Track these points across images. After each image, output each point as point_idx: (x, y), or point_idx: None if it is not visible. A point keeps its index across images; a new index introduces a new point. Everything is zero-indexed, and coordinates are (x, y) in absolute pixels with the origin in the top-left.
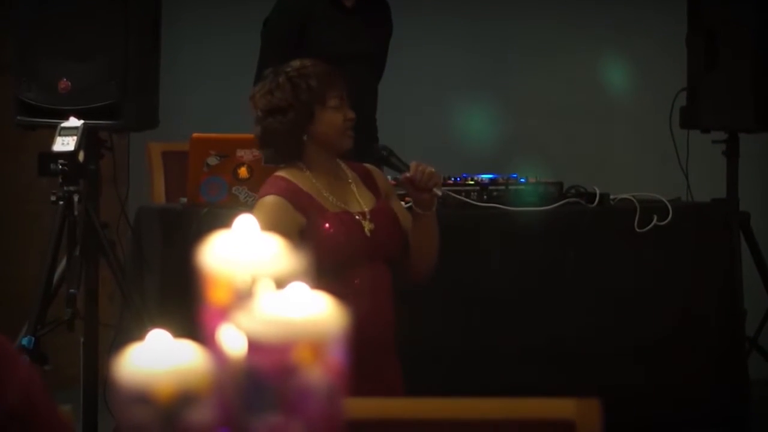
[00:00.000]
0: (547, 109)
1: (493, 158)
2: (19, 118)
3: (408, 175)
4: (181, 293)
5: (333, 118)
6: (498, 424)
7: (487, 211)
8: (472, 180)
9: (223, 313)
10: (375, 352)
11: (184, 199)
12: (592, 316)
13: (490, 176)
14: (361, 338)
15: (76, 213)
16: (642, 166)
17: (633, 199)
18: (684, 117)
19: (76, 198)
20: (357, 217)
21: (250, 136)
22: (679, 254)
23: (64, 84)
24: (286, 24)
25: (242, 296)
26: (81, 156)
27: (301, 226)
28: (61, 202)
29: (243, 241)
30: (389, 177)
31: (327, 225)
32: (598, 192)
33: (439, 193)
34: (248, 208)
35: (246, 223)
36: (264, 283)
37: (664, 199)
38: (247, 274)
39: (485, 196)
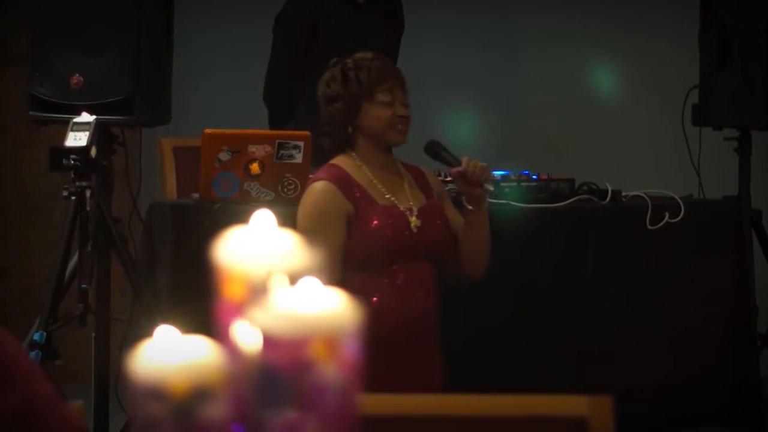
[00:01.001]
0: (559, 106)
1: (504, 155)
2: (31, 113)
3: (460, 169)
4: (192, 288)
5: (380, 113)
6: (509, 421)
7: (499, 208)
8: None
9: (238, 309)
10: (415, 347)
11: (196, 195)
12: (604, 313)
13: (502, 173)
14: (402, 333)
15: (87, 208)
16: (654, 163)
17: (645, 196)
18: (696, 114)
19: (88, 193)
20: (405, 211)
21: (262, 131)
22: (691, 251)
23: (76, 79)
24: (298, 20)
25: (257, 291)
26: (93, 151)
27: (348, 214)
28: (73, 198)
29: (258, 236)
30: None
31: (374, 217)
32: (610, 189)
33: (490, 188)
34: (260, 203)
35: (262, 219)
36: (279, 278)
37: (676, 197)
38: (262, 270)
39: (497, 193)
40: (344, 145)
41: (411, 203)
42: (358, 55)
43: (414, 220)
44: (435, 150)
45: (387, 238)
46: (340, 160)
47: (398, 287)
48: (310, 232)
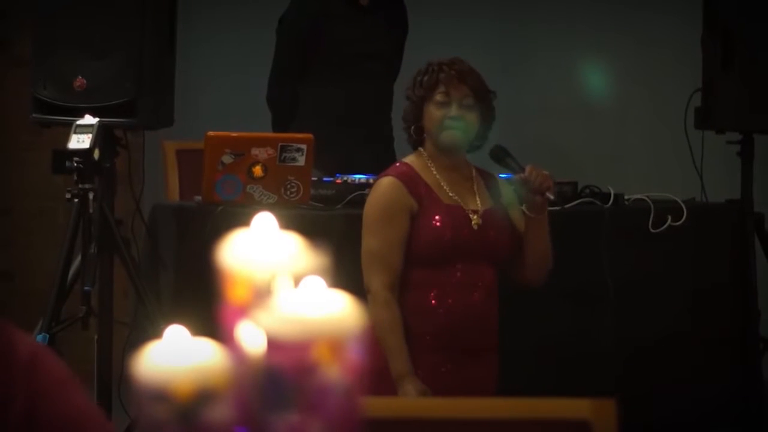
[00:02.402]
0: (561, 109)
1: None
2: (34, 115)
3: (523, 176)
4: (195, 291)
5: (433, 113)
6: (512, 424)
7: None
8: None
9: (242, 311)
10: (472, 345)
11: (199, 198)
12: (606, 315)
13: (505, 176)
14: (459, 330)
15: (90, 211)
16: (656, 167)
17: (647, 199)
18: (699, 117)
19: (90, 196)
20: (468, 212)
21: (265, 134)
22: (693, 255)
23: (79, 81)
24: (301, 22)
25: (261, 294)
26: (96, 154)
27: (412, 211)
28: (76, 200)
29: (261, 238)
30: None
31: (437, 216)
32: (612, 192)
33: (552, 196)
34: (263, 206)
35: (265, 222)
36: (283, 281)
37: (678, 200)
38: (265, 272)
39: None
40: (416, 144)
41: (477, 205)
42: (437, 59)
43: (476, 219)
44: (500, 155)
45: (447, 236)
46: (411, 159)
47: (455, 285)
48: (374, 226)
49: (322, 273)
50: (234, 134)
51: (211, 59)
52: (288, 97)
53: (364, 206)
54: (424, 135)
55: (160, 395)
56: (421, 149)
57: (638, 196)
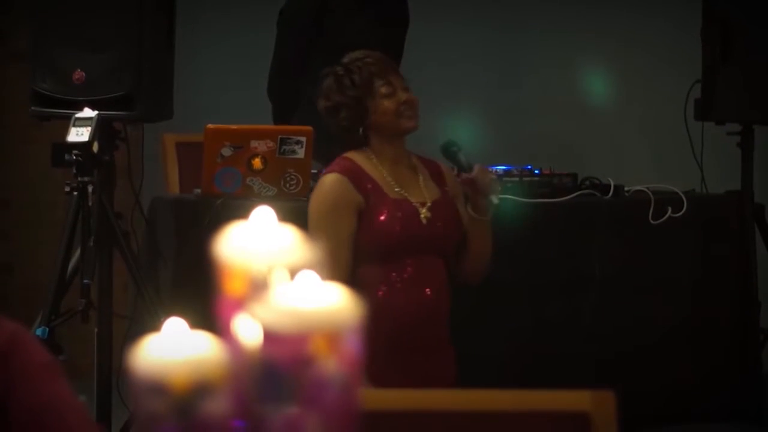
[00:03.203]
0: (562, 101)
1: (507, 150)
2: (33, 108)
3: (471, 176)
4: (195, 284)
5: (385, 106)
6: (512, 416)
7: (502, 203)
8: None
9: (239, 304)
10: (426, 341)
11: (199, 190)
12: (606, 307)
13: (505, 167)
14: (411, 327)
15: (90, 204)
16: (656, 158)
17: (647, 190)
18: (698, 109)
19: (90, 189)
20: (415, 205)
21: (265, 126)
22: (694, 246)
23: (78, 75)
24: (302, 14)
25: (258, 287)
26: (95, 147)
27: (359, 207)
28: (75, 193)
29: (259, 231)
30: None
31: (384, 210)
32: (612, 183)
33: (496, 200)
34: (263, 198)
35: (262, 214)
36: (280, 273)
37: (678, 191)
38: (263, 265)
39: (499, 188)
40: (361, 145)
41: (424, 197)
42: (346, 59)
43: (424, 213)
44: (451, 151)
45: (396, 231)
46: (353, 154)
47: (406, 281)
48: (321, 224)
49: (319, 265)
50: (233, 127)
51: (211, 52)
52: (289, 89)
53: (309, 203)
54: (369, 132)
55: (158, 388)
56: (364, 147)
57: (638, 187)
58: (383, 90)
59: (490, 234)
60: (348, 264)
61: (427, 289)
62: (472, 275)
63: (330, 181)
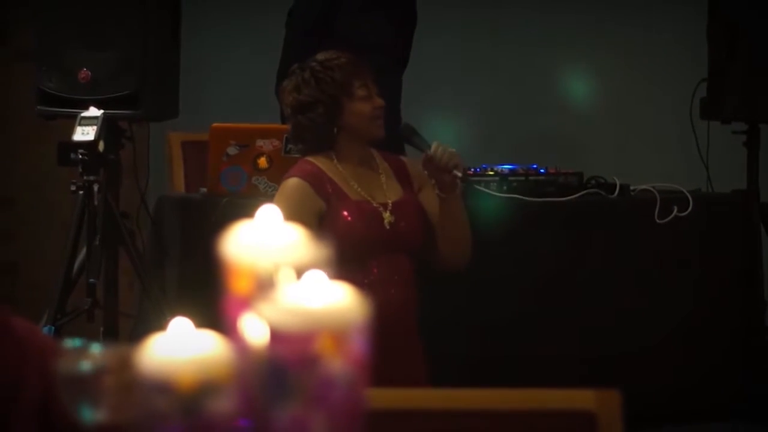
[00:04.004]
0: (567, 100)
1: (513, 149)
2: (39, 107)
3: (429, 153)
4: (200, 283)
5: (361, 108)
6: (516, 415)
7: (507, 202)
8: (491, 171)
9: (245, 303)
10: (394, 340)
11: (204, 189)
12: (612, 306)
13: (510, 167)
14: (380, 326)
15: (95, 203)
16: (662, 157)
17: (653, 189)
18: (704, 107)
19: (95, 188)
20: (377, 207)
21: (270, 125)
22: (699, 245)
23: (84, 74)
24: (311, 15)
25: (264, 286)
26: (101, 146)
27: (320, 211)
28: (80, 192)
29: (265, 230)
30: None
31: (345, 213)
32: (618, 183)
33: (460, 173)
34: (268, 197)
35: (268, 213)
36: (286, 272)
37: (684, 190)
38: (269, 264)
39: (505, 187)
40: (325, 147)
41: (386, 198)
42: (321, 56)
43: (387, 216)
44: (407, 134)
45: (358, 235)
46: (314, 157)
47: (371, 283)
48: None
49: (325, 264)
50: (239, 126)
51: (217, 51)
52: None
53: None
54: (338, 134)
55: (163, 387)
56: (327, 149)
57: (644, 186)
58: (360, 92)
59: (463, 213)
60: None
61: (393, 290)
62: (453, 261)
63: (290, 186)
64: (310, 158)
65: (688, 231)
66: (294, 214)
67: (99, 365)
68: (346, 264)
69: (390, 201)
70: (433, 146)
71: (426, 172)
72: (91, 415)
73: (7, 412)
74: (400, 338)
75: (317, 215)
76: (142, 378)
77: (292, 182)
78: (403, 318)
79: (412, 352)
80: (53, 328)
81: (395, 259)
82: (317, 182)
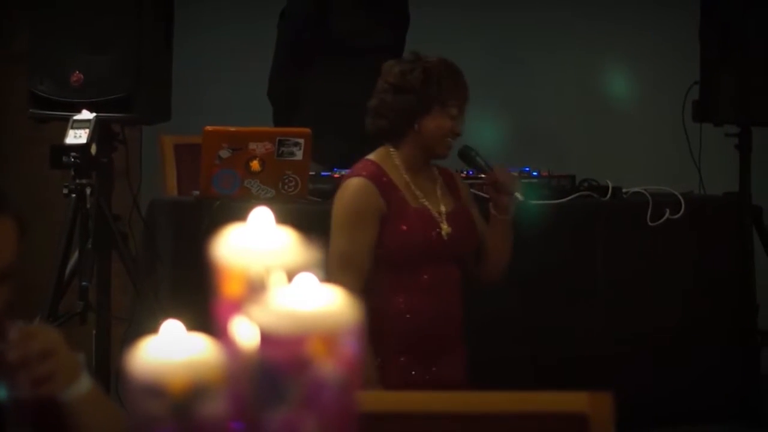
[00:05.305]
0: (559, 103)
1: (505, 152)
2: (31, 110)
3: (492, 175)
4: (193, 286)
5: (443, 123)
6: (510, 418)
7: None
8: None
9: (237, 306)
10: (439, 346)
11: (197, 192)
12: (604, 309)
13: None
14: (426, 333)
15: (88, 206)
16: (655, 160)
17: (645, 192)
18: (696, 110)
19: (88, 191)
20: (435, 216)
21: (263, 129)
22: (692, 248)
23: (76, 76)
24: (303, 16)
25: (256, 289)
26: (93, 149)
27: (382, 212)
28: (73, 195)
29: (257, 233)
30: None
31: (404, 218)
32: (610, 185)
33: (521, 196)
34: (260, 200)
35: (260, 216)
36: (277, 275)
37: (676, 193)
38: (260, 267)
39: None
40: (393, 137)
41: (442, 207)
42: (437, 58)
43: (445, 228)
44: (470, 155)
45: (417, 242)
46: (378, 157)
47: (423, 289)
48: (344, 228)
49: (317, 267)
50: (232, 129)
51: (210, 54)
52: (289, 91)
53: (333, 206)
54: (410, 133)
55: (155, 390)
56: (389, 146)
57: (636, 189)
58: (453, 111)
59: (511, 232)
60: (366, 270)
61: (442, 296)
62: (493, 274)
63: (356, 185)
64: (373, 158)
65: (680, 233)
66: (358, 213)
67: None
68: (399, 269)
69: (445, 210)
70: (496, 169)
71: (486, 192)
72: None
73: None
74: (445, 343)
75: (380, 216)
76: (133, 381)
77: (357, 181)
78: (449, 323)
79: (455, 357)
80: None
81: (446, 268)
82: (381, 184)
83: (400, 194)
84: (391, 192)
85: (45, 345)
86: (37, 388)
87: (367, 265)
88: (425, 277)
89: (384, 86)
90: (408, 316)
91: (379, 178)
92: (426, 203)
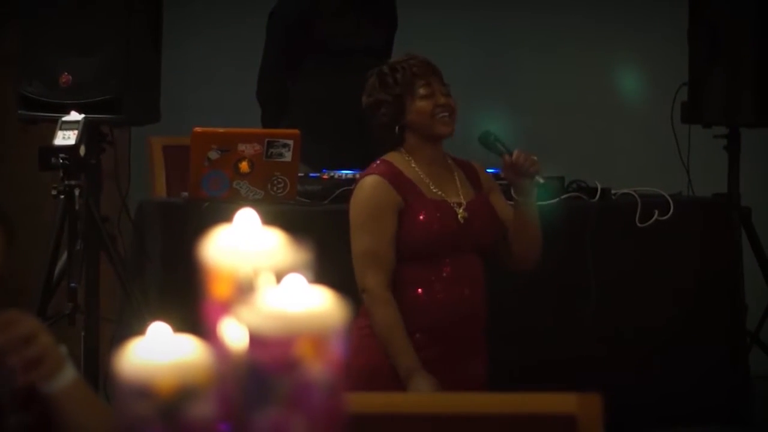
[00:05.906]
0: (548, 105)
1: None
2: (20, 112)
3: (511, 159)
4: (182, 287)
5: (423, 107)
6: (499, 419)
7: None
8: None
9: (225, 307)
10: (461, 339)
11: (186, 194)
12: (594, 310)
13: (493, 170)
14: (449, 325)
15: (77, 207)
16: (643, 161)
17: (634, 193)
18: (685, 112)
19: (77, 192)
20: (452, 205)
21: (252, 130)
22: (680, 249)
23: (65, 78)
24: (291, 17)
25: (244, 290)
26: (82, 150)
27: (399, 206)
28: (62, 197)
29: (245, 235)
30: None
31: (422, 210)
32: (599, 187)
33: (541, 179)
34: (249, 202)
35: (247, 217)
36: (265, 276)
37: (665, 194)
38: (248, 268)
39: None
40: (396, 146)
41: (460, 197)
42: (392, 60)
43: (461, 213)
44: (489, 140)
45: (434, 232)
46: (390, 156)
47: (445, 280)
48: (365, 226)
49: (305, 269)
50: (220, 130)
51: (199, 55)
52: (279, 92)
53: (351, 206)
54: (406, 132)
55: (143, 391)
56: (399, 148)
57: (625, 190)
58: (422, 91)
59: (537, 216)
60: (392, 264)
61: (465, 289)
62: (524, 261)
63: (370, 183)
64: (386, 157)
65: (669, 235)
66: (378, 207)
67: None
68: (419, 262)
69: (464, 200)
70: (515, 152)
71: (505, 176)
72: None
73: None
74: (468, 337)
75: (397, 211)
76: (121, 382)
77: (370, 180)
78: (472, 316)
79: (477, 351)
80: None
81: (468, 259)
82: (395, 180)
83: (416, 188)
84: (406, 186)
85: (27, 330)
86: (26, 372)
87: (392, 259)
88: (447, 268)
89: (366, 115)
90: (431, 308)
91: (393, 175)
92: (442, 194)
